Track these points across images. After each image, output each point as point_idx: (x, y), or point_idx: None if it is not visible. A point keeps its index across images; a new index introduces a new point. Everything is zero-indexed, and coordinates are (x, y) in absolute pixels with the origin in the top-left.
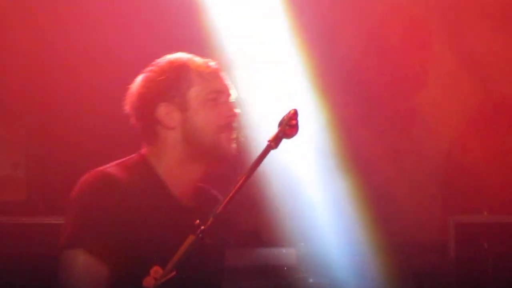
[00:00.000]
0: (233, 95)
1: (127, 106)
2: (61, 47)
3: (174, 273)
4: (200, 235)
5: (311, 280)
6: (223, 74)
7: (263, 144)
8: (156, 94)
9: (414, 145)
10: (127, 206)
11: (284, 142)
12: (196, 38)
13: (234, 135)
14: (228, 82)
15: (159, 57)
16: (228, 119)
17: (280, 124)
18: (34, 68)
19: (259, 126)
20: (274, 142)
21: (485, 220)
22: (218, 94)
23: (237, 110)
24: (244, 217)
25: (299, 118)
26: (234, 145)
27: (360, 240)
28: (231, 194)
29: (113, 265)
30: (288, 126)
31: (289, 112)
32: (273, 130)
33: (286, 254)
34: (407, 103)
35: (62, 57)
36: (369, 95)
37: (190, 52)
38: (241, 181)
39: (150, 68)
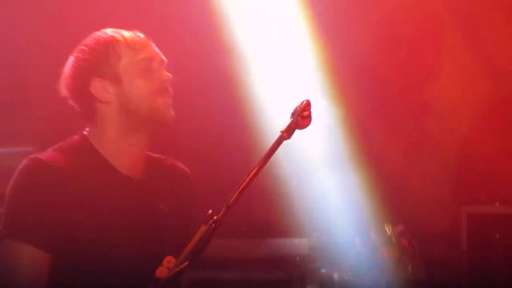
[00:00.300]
0: (164, 61)
1: (62, 89)
2: (75, 38)
3: (187, 263)
4: (213, 225)
5: (323, 271)
6: (151, 43)
7: (276, 135)
8: (88, 71)
9: (426, 137)
10: (65, 190)
11: (297, 133)
12: (207, 30)
13: (170, 99)
14: (157, 49)
15: (173, 50)
16: (162, 84)
17: (293, 115)
18: (47, 59)
19: (272, 117)
20: (287, 133)
21: (497, 211)
22: (149, 62)
23: (169, 75)
24: (256, 207)
25: (312, 109)
26: (171, 109)
27: (372, 231)
28: (243, 185)
29: (57, 251)
30: (301, 117)
31: (302, 103)
32: (286, 121)
33: (299, 244)
34: (420, 95)
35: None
36: (382, 88)
37: (202, 45)
38: (253, 172)
39: (78, 47)
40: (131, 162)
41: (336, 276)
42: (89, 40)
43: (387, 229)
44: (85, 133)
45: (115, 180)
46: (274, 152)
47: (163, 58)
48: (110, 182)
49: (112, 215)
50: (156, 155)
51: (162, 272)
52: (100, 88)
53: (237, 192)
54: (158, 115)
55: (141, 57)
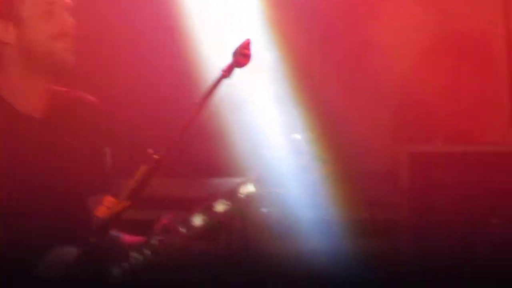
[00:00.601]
0: (69, 4)
1: None
2: None
3: (129, 203)
4: (154, 165)
5: (264, 210)
6: None
7: (217, 74)
8: None
9: (367, 75)
10: None
11: (239, 72)
12: None
13: (70, 44)
14: None
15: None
16: (62, 29)
17: (234, 54)
18: None
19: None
20: (227, 72)
21: (437, 150)
22: (52, 5)
23: (72, 20)
24: (198, 147)
25: (252, 48)
26: (70, 54)
27: (313, 170)
28: (185, 124)
29: None
30: (241, 55)
31: (243, 42)
32: (227, 60)
33: (239, 183)
34: (361, 34)
35: None
36: (323, 26)
37: None
38: (195, 111)
39: None
40: (33, 101)
41: (245, 188)
42: None
43: (296, 137)
44: None
45: (15, 121)
46: (214, 91)
47: (68, 1)
48: (10, 123)
49: (15, 156)
50: (61, 89)
51: (101, 211)
52: (1, 28)
53: (179, 132)
54: (56, 60)
55: (44, 0)
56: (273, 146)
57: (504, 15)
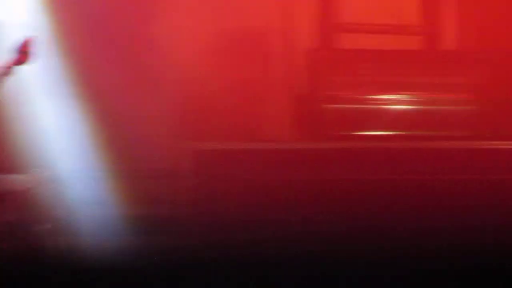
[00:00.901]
0: None
1: None
2: None
3: None
4: None
5: (40, 207)
6: None
7: None
8: None
9: (150, 72)
10: None
11: (20, 69)
12: None
13: None
14: None
15: None
16: None
17: (14, 51)
18: None
19: None
20: (9, 68)
21: (219, 147)
22: None
23: None
24: None
25: (33, 46)
26: None
27: (95, 167)
28: None
29: None
30: (21, 54)
31: (23, 40)
32: (6, 57)
33: (18, 180)
34: (145, 31)
35: None
36: (105, 24)
37: None
38: None
39: None
40: None
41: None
42: None
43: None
44: None
45: None
46: None
47: None
48: None
49: None
50: None
51: None
52: None
53: None
54: None
55: None
56: (54, 143)
57: (281, 13)
